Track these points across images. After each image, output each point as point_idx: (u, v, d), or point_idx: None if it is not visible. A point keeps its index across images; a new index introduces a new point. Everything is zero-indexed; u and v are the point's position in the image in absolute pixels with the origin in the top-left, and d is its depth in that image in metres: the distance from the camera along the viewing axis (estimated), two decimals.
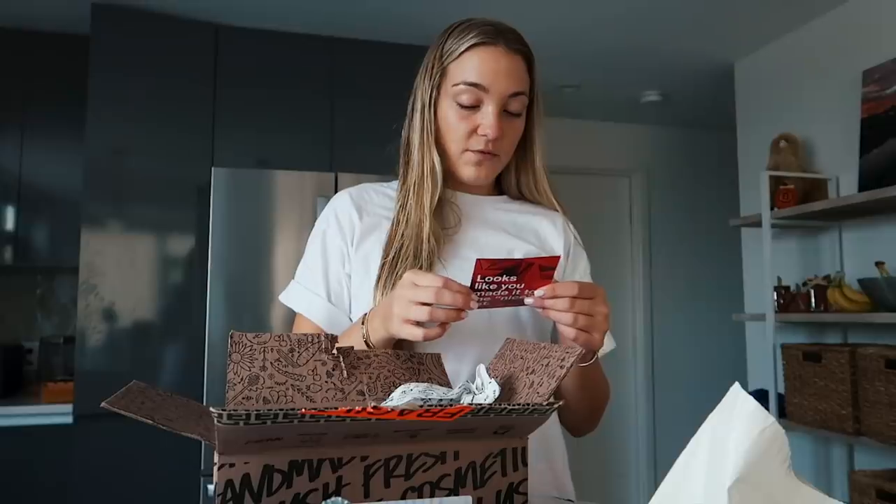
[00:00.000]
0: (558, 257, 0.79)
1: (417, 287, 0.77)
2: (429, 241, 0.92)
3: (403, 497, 0.57)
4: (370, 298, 0.93)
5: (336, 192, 2.46)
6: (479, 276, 0.76)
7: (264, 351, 0.74)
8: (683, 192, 4.24)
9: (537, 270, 0.77)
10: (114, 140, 2.50)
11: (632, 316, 4.18)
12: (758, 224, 2.58)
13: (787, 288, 2.57)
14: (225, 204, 2.40)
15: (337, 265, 0.99)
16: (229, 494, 0.53)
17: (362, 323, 0.87)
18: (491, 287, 0.77)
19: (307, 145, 2.71)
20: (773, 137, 2.75)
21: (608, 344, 1.02)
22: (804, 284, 2.53)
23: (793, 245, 2.83)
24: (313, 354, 0.76)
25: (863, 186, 2.32)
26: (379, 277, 0.92)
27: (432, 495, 0.58)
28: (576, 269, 1.06)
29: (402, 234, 0.94)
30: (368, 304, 0.93)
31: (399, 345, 0.86)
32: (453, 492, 0.59)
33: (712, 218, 4.03)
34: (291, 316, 1.03)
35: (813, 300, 2.43)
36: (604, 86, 3.54)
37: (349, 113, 2.75)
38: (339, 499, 0.52)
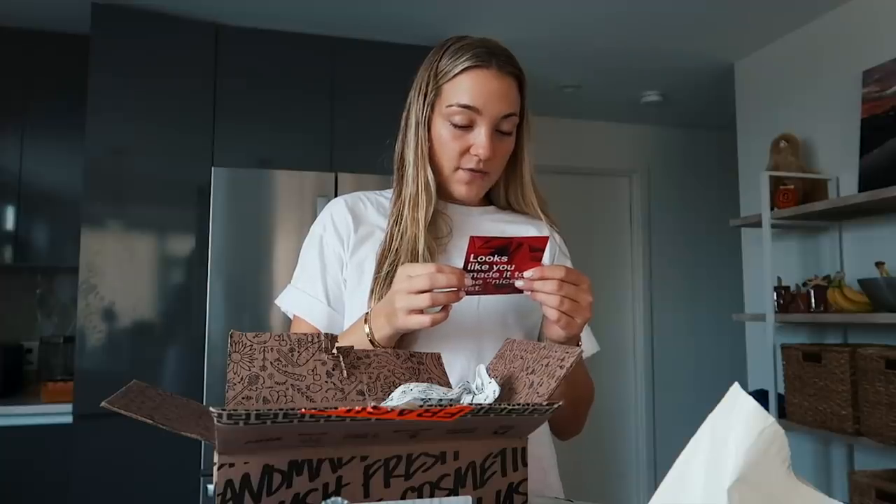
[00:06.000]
0: (547, 238, 0.83)
1: (413, 277, 0.81)
2: (423, 255, 0.94)
3: (403, 497, 0.57)
4: (362, 306, 0.95)
5: (336, 192, 2.47)
6: (472, 255, 0.79)
7: (264, 351, 0.74)
8: (683, 192, 4.24)
9: (527, 252, 0.81)
10: (114, 140, 2.50)
11: (632, 316, 4.18)
12: (758, 224, 2.58)
13: (787, 288, 2.57)
14: (225, 204, 2.40)
15: (335, 270, 1.00)
16: (229, 494, 0.53)
17: (365, 321, 0.88)
18: (483, 268, 0.81)
19: (307, 145, 2.71)
20: (773, 137, 2.75)
21: (592, 346, 1.04)
22: (804, 285, 2.53)
23: (793, 245, 2.83)
24: (313, 354, 0.76)
25: (863, 186, 2.32)
26: (373, 291, 0.94)
27: (432, 495, 0.58)
28: None
29: (398, 249, 0.95)
30: (360, 311, 0.94)
31: (400, 342, 0.88)
32: (453, 492, 0.59)
33: (712, 218, 4.03)
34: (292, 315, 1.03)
35: (813, 300, 2.43)
36: (604, 86, 3.54)
37: (349, 113, 2.75)
38: (339, 499, 0.52)
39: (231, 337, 0.74)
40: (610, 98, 3.72)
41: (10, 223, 2.67)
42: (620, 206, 4.25)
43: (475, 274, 0.81)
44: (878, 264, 2.24)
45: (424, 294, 0.80)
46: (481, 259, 0.80)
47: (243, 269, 2.41)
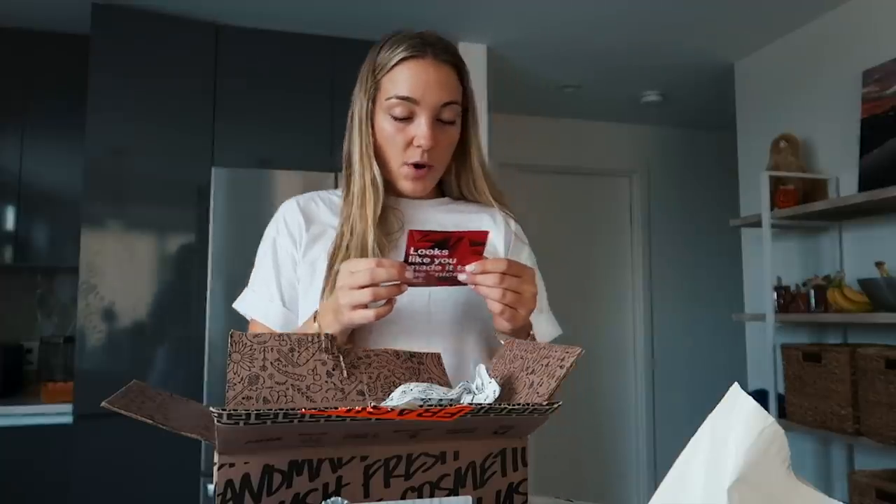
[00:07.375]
0: (487, 232, 0.83)
1: (354, 273, 0.81)
2: (373, 251, 0.95)
3: (403, 497, 0.57)
4: (315, 304, 0.95)
5: None
6: (411, 249, 0.79)
7: (264, 351, 0.74)
8: (683, 192, 4.24)
9: (468, 245, 0.81)
10: (114, 140, 2.50)
11: (632, 316, 4.17)
12: (758, 224, 2.58)
13: (787, 288, 2.57)
14: (225, 204, 2.40)
15: (289, 271, 1.02)
16: (229, 494, 0.53)
17: (314, 319, 0.89)
18: (424, 261, 0.81)
19: (307, 145, 2.71)
20: (773, 137, 2.75)
21: (555, 329, 1.05)
22: (804, 285, 2.53)
23: (793, 245, 2.83)
24: (313, 354, 0.76)
25: (863, 186, 2.32)
26: (324, 289, 0.95)
27: (432, 495, 0.58)
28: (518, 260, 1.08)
29: (348, 246, 0.96)
30: (314, 309, 0.95)
31: (351, 338, 0.89)
32: (453, 492, 0.59)
33: (712, 218, 4.03)
34: None
35: (813, 300, 2.43)
36: (604, 86, 3.54)
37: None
38: (339, 499, 0.52)
39: (231, 337, 0.74)
40: (610, 98, 3.72)
41: (10, 223, 2.67)
42: (620, 206, 4.25)
43: (417, 267, 0.81)
44: (878, 264, 2.24)
45: (366, 289, 0.80)
46: (422, 252, 0.80)
47: (243, 269, 2.39)
